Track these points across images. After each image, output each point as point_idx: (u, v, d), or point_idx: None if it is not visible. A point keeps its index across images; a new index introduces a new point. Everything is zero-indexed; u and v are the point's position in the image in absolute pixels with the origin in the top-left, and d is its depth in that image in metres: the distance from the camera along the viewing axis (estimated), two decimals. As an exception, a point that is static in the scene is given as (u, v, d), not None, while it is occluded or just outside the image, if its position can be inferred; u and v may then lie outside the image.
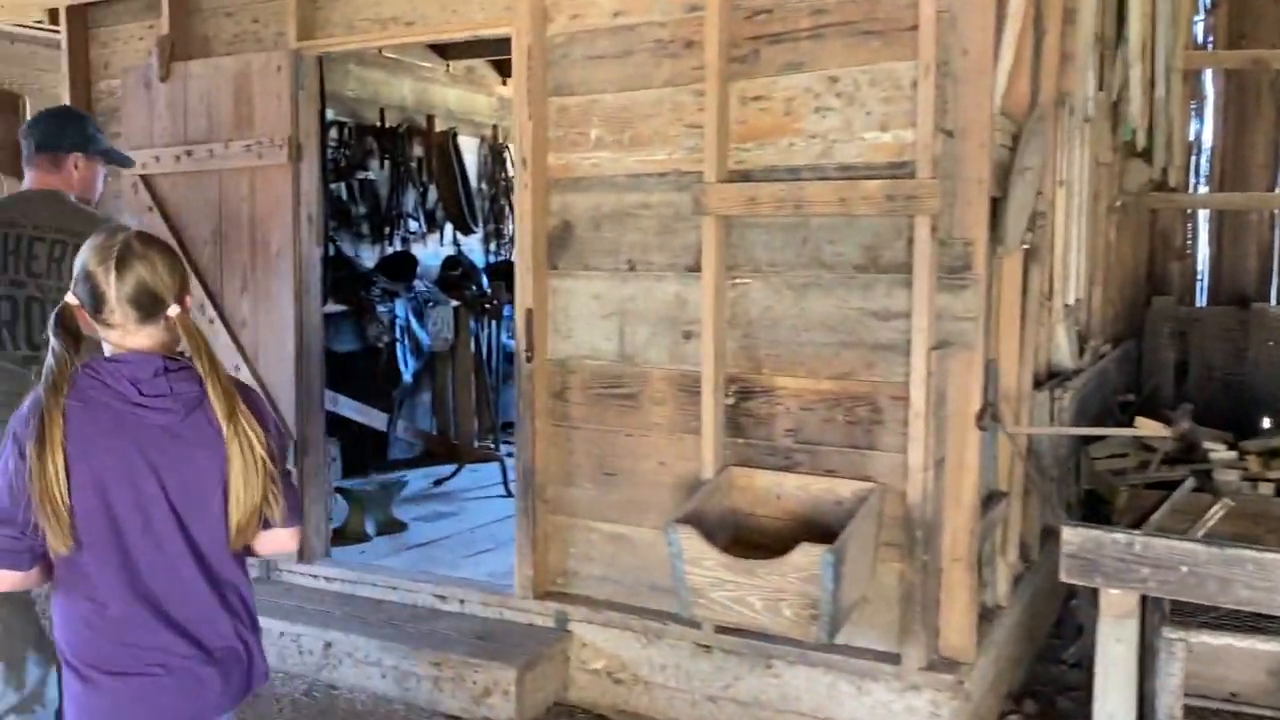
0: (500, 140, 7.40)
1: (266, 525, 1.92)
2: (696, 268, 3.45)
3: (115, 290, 1.77)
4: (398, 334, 5.74)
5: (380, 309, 5.69)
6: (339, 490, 4.62)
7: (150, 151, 4.38)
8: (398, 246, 6.54)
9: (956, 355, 3.20)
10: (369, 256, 6.44)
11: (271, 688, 3.64)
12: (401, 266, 6.10)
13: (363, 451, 5.84)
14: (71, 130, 3.12)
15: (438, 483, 5.85)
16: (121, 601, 1.80)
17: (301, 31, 4.07)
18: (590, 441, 3.70)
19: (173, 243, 4.27)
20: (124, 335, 1.81)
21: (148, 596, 1.82)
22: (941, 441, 3.22)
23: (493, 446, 6.48)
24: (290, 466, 1.85)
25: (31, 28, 5.82)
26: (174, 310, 1.81)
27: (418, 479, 6.04)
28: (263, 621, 2.01)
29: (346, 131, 6.25)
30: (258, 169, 4.17)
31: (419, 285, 6.07)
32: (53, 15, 4.88)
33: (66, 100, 4.65)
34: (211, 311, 4.30)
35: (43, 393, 1.74)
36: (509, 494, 5.58)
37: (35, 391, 1.77)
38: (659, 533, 3.57)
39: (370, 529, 4.63)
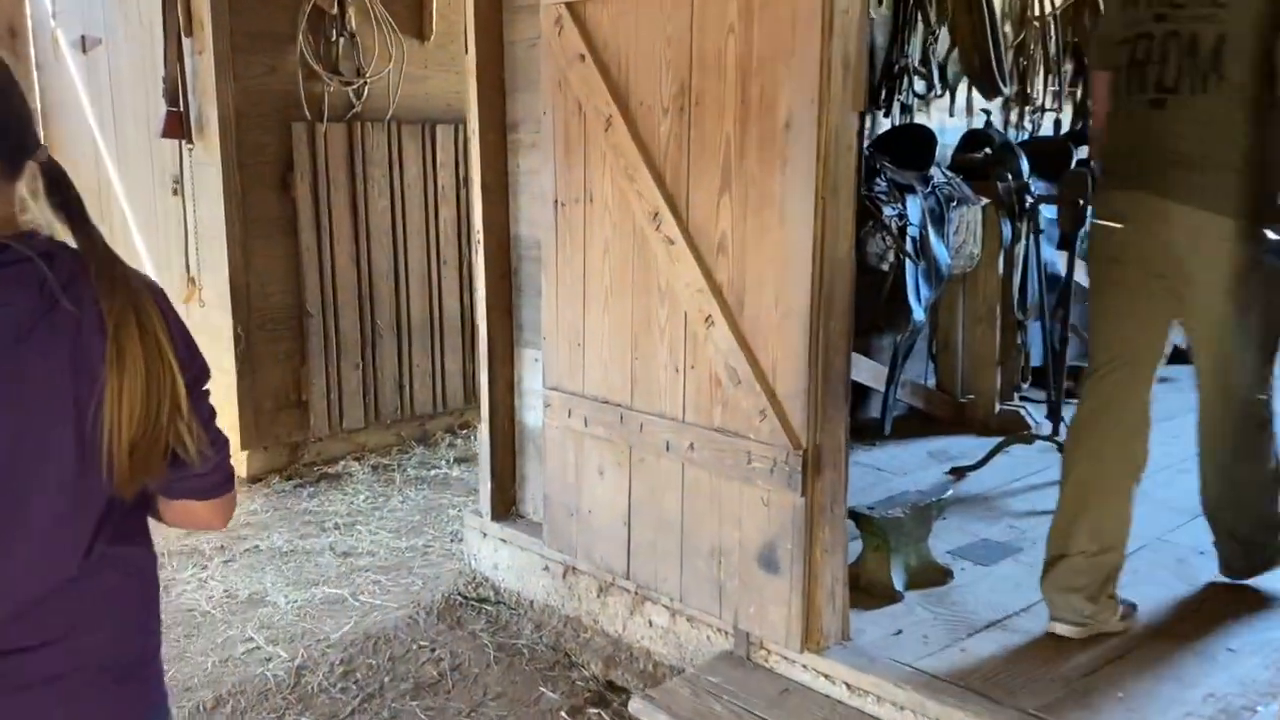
0: (1034, -41, 5.10)
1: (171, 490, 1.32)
2: None
3: None
4: (910, 249, 3.83)
5: (887, 211, 3.79)
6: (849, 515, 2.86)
7: (581, -37, 2.74)
8: (896, 117, 4.57)
9: None
10: (853, 133, 4.54)
11: None
12: (910, 147, 4.14)
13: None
14: None
15: (955, 474, 3.94)
16: None
17: None
18: None
19: (611, 110, 2.64)
20: None
21: None
22: None
23: (1023, 413, 4.44)
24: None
25: None
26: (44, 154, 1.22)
27: (908, 459, 4.21)
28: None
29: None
30: (758, -27, 2.37)
31: (936, 175, 4.08)
32: None
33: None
34: (670, 225, 2.62)
35: None
36: (1085, 508, 3.55)
37: None
38: None
39: (897, 579, 2.86)
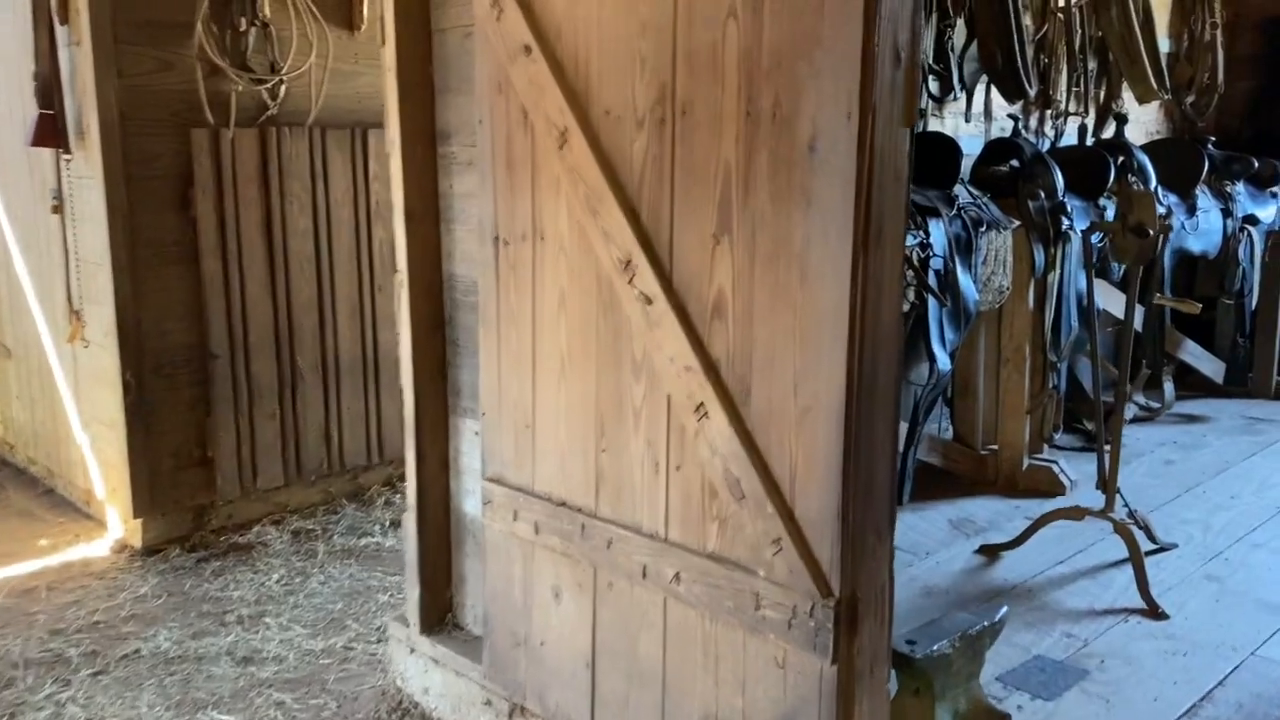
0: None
1: None
2: None
3: None
4: (934, 284, 3.17)
5: (907, 240, 3.13)
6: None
7: (525, -77, 2.04)
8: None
9: None
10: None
11: None
12: (929, 160, 3.47)
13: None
14: None
15: (986, 553, 3.29)
16: None
17: None
18: None
19: (568, 120, 1.95)
20: None
21: None
22: None
23: (1055, 470, 3.81)
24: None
25: None
26: None
27: (928, 531, 3.58)
28: None
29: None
30: (772, -69, 1.69)
31: (961, 194, 3.42)
32: None
33: None
34: (647, 277, 1.94)
35: None
36: (1153, 609, 2.90)
37: None
38: None
39: (941, 732, 2.21)
